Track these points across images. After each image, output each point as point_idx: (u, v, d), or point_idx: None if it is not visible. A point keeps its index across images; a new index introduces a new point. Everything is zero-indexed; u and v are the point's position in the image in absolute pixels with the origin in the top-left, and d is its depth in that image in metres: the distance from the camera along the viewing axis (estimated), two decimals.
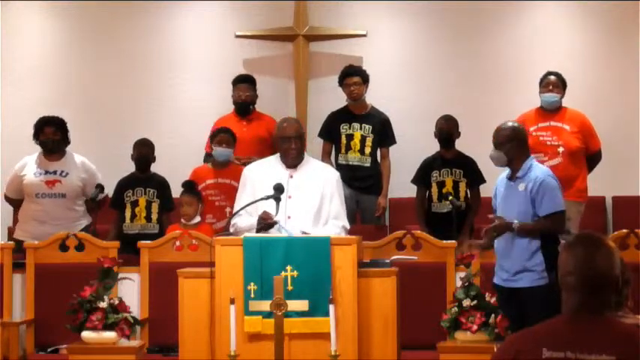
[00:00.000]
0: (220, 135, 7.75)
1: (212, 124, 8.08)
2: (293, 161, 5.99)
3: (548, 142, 7.45)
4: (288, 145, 5.97)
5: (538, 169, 6.08)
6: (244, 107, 8.19)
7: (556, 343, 2.97)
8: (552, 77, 7.57)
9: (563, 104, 7.59)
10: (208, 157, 7.95)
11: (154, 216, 7.67)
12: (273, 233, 5.71)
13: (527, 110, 7.65)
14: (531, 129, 7.45)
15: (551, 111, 7.54)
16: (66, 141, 7.57)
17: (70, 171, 7.50)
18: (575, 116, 7.54)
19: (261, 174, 6.00)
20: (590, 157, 7.57)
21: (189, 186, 7.45)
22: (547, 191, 5.95)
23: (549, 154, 7.42)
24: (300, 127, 6.12)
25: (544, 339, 2.99)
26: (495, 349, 3.28)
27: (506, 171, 6.16)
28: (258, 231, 5.75)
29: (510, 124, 6.13)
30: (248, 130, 8.08)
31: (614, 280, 3.03)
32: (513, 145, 6.00)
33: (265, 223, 5.76)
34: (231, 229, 5.90)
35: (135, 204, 7.69)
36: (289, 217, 5.84)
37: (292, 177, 5.96)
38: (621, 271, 3.08)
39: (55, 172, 7.48)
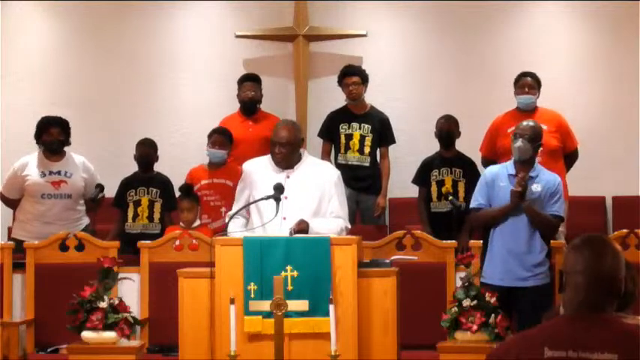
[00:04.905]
0: (215, 136, 7.76)
1: (213, 124, 8.06)
2: (279, 165, 5.89)
3: None
4: (273, 149, 5.89)
5: (548, 171, 6.43)
6: (250, 106, 8.15)
7: (557, 342, 2.97)
8: (528, 78, 7.55)
9: (538, 104, 7.58)
10: None
11: (157, 216, 7.67)
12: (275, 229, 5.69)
13: (503, 112, 7.65)
14: (509, 130, 7.46)
15: (527, 112, 7.52)
16: (68, 141, 7.57)
17: (73, 171, 7.50)
18: (551, 116, 7.51)
19: (259, 172, 5.95)
20: (568, 156, 7.57)
21: (187, 190, 7.43)
22: (562, 195, 6.34)
23: None
24: (293, 133, 5.87)
25: (545, 338, 2.99)
26: (493, 349, 3.26)
27: (499, 167, 6.48)
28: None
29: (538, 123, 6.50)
30: (254, 130, 8.05)
31: (619, 281, 3.06)
32: (538, 145, 6.35)
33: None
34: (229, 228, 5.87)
35: (137, 203, 7.68)
36: (284, 219, 5.74)
37: (289, 177, 5.90)
38: (629, 272, 3.11)
39: (59, 173, 7.46)
